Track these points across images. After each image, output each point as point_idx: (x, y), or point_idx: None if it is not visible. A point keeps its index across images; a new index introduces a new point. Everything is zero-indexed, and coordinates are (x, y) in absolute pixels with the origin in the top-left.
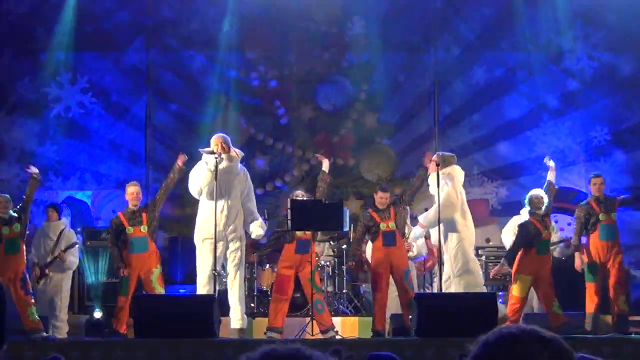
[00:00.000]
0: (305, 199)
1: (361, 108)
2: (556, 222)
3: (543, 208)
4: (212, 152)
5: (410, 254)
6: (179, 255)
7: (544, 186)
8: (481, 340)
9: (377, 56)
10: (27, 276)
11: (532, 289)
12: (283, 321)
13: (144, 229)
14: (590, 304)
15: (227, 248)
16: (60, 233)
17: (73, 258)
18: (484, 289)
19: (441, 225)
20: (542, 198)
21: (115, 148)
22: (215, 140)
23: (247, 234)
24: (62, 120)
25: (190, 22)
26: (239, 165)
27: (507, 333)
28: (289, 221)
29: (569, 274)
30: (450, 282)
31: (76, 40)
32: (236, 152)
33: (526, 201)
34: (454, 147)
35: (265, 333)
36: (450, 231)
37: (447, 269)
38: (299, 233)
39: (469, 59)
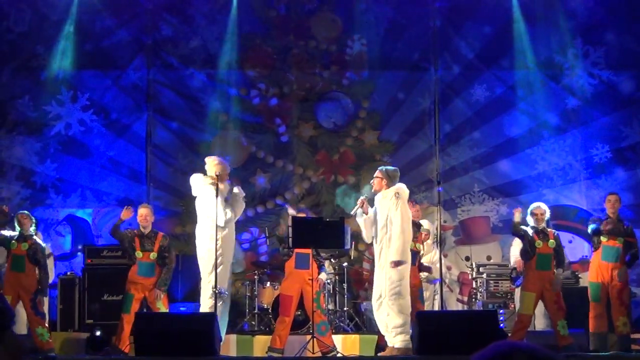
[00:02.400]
0: (302, 215)
1: (361, 126)
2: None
3: (543, 223)
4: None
5: (429, 276)
6: (179, 273)
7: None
8: (474, 357)
9: (378, 74)
10: (38, 297)
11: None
12: (284, 342)
13: (153, 256)
14: (593, 322)
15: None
16: None
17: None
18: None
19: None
20: (543, 212)
21: (115, 166)
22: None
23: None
24: (62, 138)
25: (190, 41)
26: None
27: (499, 350)
28: (290, 239)
29: (578, 292)
30: (381, 302)
31: (76, 58)
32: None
33: (528, 214)
34: (455, 164)
35: (266, 352)
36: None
37: (379, 289)
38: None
39: (469, 77)
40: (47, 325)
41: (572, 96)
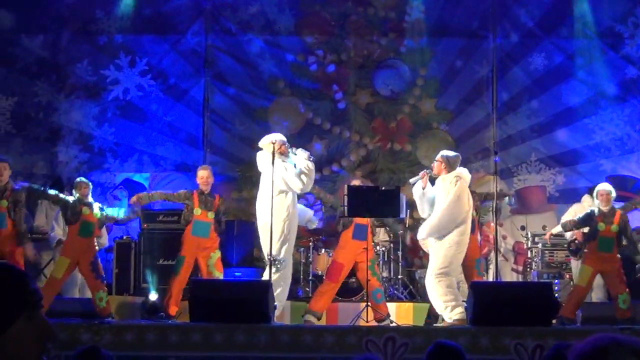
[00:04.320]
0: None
1: (419, 93)
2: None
3: (609, 204)
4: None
5: None
6: (234, 238)
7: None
8: (575, 349)
9: (436, 42)
10: (98, 260)
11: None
12: (324, 307)
13: (211, 215)
14: None
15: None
16: None
17: (103, 236)
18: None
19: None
20: (609, 193)
21: (173, 131)
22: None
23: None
24: (120, 102)
25: (249, 6)
26: None
27: (599, 344)
28: (345, 207)
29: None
30: (428, 280)
31: (135, 23)
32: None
33: (594, 194)
34: (512, 133)
35: (303, 316)
36: (449, 232)
37: (430, 266)
38: (357, 218)
39: (528, 46)
40: (105, 288)
41: (631, 65)
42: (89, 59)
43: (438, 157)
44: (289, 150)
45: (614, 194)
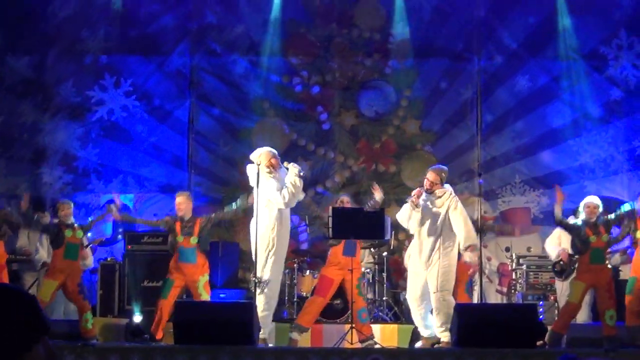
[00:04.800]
0: (349, 206)
1: (403, 115)
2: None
3: (595, 216)
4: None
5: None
6: (219, 259)
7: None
8: None
9: (420, 63)
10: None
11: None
12: (311, 321)
13: (193, 240)
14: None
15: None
16: None
17: (91, 256)
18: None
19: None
20: (596, 206)
21: (157, 152)
22: (272, 154)
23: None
24: (105, 123)
25: (234, 27)
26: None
27: None
28: (330, 229)
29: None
30: (423, 299)
31: (121, 43)
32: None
33: (580, 208)
34: (496, 155)
35: (290, 328)
36: (452, 248)
37: (421, 285)
38: None
39: (513, 67)
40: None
41: (615, 87)
42: (74, 79)
43: (434, 173)
44: (281, 164)
45: (600, 208)
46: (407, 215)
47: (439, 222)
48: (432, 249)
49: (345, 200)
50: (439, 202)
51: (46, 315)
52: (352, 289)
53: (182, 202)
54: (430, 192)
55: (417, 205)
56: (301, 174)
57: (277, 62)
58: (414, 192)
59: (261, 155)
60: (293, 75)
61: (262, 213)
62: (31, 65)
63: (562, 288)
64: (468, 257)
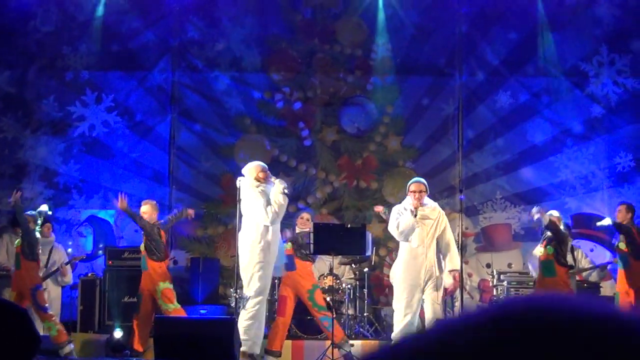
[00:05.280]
0: (309, 223)
1: (385, 131)
2: (578, 247)
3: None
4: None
5: None
6: (200, 275)
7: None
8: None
9: (402, 79)
10: (37, 291)
11: None
12: (281, 344)
13: (142, 247)
14: None
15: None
16: (51, 249)
17: (70, 273)
18: None
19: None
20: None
21: (139, 167)
22: (261, 168)
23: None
24: (86, 139)
25: (215, 43)
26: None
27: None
28: (312, 245)
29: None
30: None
31: (102, 59)
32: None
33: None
34: (477, 171)
35: (262, 357)
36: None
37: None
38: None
39: (494, 84)
40: (54, 318)
41: (596, 104)
42: (55, 94)
43: (421, 186)
44: (269, 179)
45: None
46: (409, 226)
47: (434, 235)
48: (432, 264)
49: (305, 217)
50: (430, 212)
51: (35, 329)
52: (307, 302)
53: (146, 211)
54: (421, 204)
55: (415, 216)
56: (286, 191)
57: (259, 78)
58: (410, 203)
59: (250, 169)
60: (275, 91)
61: (249, 227)
62: (12, 80)
63: None
64: (449, 280)
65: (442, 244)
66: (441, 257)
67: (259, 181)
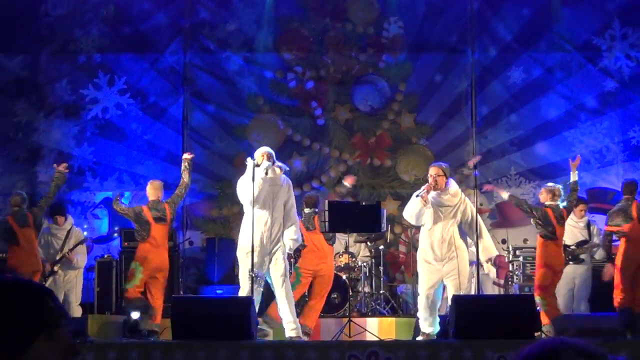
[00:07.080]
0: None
1: (398, 109)
2: (594, 222)
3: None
4: (257, 165)
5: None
6: (215, 255)
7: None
8: (522, 353)
9: (414, 57)
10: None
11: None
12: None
13: None
14: None
15: (270, 260)
16: (68, 232)
17: (81, 256)
18: None
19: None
20: (556, 189)
21: (152, 149)
22: (261, 153)
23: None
24: (99, 121)
25: (227, 24)
26: (283, 176)
27: (548, 347)
28: (326, 222)
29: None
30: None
31: (114, 42)
32: (279, 168)
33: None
34: (492, 147)
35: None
36: (465, 248)
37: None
38: None
39: (507, 60)
40: None
41: (609, 78)
42: (68, 78)
43: (435, 167)
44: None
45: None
46: (416, 211)
47: (451, 218)
48: (449, 246)
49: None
50: (449, 198)
51: (57, 308)
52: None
53: (148, 191)
54: (436, 188)
55: (426, 202)
56: (263, 174)
57: (271, 58)
58: (423, 188)
59: (256, 152)
60: (287, 71)
61: (260, 210)
62: (25, 65)
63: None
64: (487, 268)
65: (470, 232)
66: (474, 246)
67: (257, 165)
